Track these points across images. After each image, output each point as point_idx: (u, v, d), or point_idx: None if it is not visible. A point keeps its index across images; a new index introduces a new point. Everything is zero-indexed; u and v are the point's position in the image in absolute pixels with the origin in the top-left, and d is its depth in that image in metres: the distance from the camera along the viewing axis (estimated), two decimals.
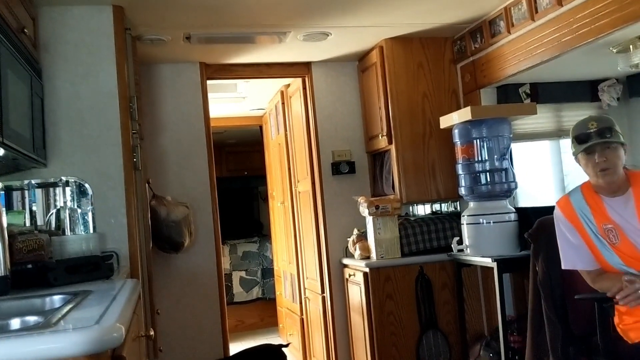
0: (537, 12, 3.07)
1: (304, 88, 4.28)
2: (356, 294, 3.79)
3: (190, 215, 3.74)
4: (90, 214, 2.83)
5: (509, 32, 3.32)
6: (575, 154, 2.36)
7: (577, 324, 2.53)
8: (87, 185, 2.82)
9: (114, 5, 2.90)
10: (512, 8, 3.26)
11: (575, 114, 3.63)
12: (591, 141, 2.27)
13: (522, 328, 3.28)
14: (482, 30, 3.56)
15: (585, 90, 3.94)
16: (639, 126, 3.92)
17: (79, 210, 2.84)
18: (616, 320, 2.29)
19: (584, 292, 2.40)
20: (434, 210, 4.12)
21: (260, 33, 3.55)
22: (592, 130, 2.28)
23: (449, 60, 3.91)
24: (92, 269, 2.38)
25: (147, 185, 3.41)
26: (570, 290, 2.49)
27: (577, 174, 3.60)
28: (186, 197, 3.87)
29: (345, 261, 4.03)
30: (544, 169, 4.05)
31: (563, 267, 2.42)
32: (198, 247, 3.92)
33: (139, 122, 3.11)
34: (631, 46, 2.96)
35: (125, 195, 2.84)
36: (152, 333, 2.00)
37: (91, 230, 2.81)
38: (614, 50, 3.05)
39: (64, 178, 2.81)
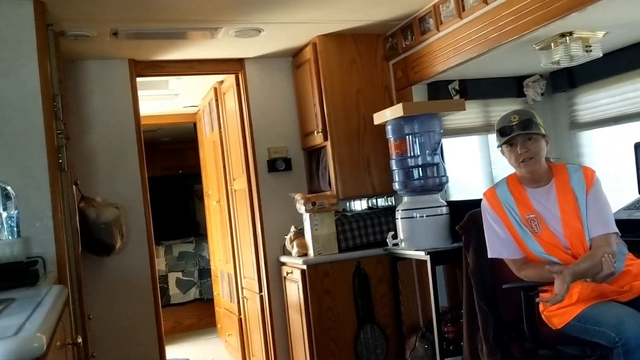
0: (464, 10, 3.15)
1: (238, 85, 4.24)
2: (294, 291, 3.79)
3: (122, 216, 3.63)
4: (14, 218, 2.69)
5: (438, 29, 3.39)
6: (499, 146, 2.45)
7: (507, 312, 2.62)
8: (9, 188, 2.68)
9: None
10: (440, 5, 3.33)
11: (502, 109, 3.74)
12: (513, 133, 2.36)
13: (456, 318, 3.37)
14: (413, 28, 3.62)
15: (511, 86, 4.07)
16: (562, 120, 4.09)
17: (4, 215, 2.70)
18: (541, 307, 2.39)
19: (513, 281, 2.49)
20: (370, 205, 4.17)
21: (191, 29, 3.48)
22: (513, 123, 2.38)
23: (381, 57, 3.96)
24: (16, 275, 2.27)
25: (74, 186, 3.29)
26: (501, 279, 2.57)
27: (505, 168, 3.74)
28: (117, 197, 3.76)
29: (283, 259, 4.02)
30: (473, 163, 4.16)
31: (489, 256, 2.51)
32: (131, 249, 3.81)
33: (64, 122, 2.99)
34: (552, 43, 3.07)
35: (50, 198, 2.72)
36: (79, 340, 1.92)
37: (16, 235, 2.67)
38: (537, 48, 3.16)
39: None
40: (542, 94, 4.04)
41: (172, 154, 7.45)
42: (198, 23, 3.39)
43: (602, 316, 2.15)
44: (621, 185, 3.29)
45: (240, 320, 4.75)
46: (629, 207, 2.94)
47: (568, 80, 3.90)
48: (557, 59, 3.10)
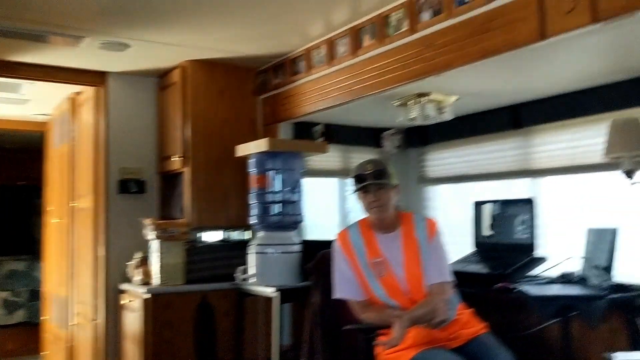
0: (334, 58, 3.28)
1: (97, 98, 4.03)
2: (132, 321, 3.59)
3: None
4: None
5: (308, 72, 3.49)
6: (354, 192, 2.55)
7: (347, 353, 2.67)
8: None
9: None
10: (313, 51, 3.45)
11: (361, 157, 3.90)
12: (366, 181, 2.47)
13: (297, 357, 3.37)
14: (285, 67, 3.70)
15: (371, 137, 4.29)
16: (413, 173, 4.36)
17: None
18: (378, 349, 2.47)
19: (355, 323, 2.55)
20: (223, 237, 4.09)
21: (53, 33, 3.26)
22: (368, 172, 2.49)
23: (251, 90, 3.98)
24: None
25: None
26: (344, 320, 2.62)
27: (360, 211, 3.87)
28: None
29: (124, 286, 3.80)
30: (330, 205, 4.28)
31: (335, 296, 2.57)
32: None
33: None
34: (410, 102, 3.29)
35: None
36: None
37: None
38: (396, 104, 3.37)
39: None
40: (397, 147, 4.29)
41: (13, 163, 6.84)
42: (62, 29, 3.19)
43: None
44: (459, 239, 3.54)
45: (69, 348, 4.41)
46: (463, 260, 3.17)
47: (421, 137, 4.19)
48: (413, 116, 3.32)
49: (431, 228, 2.54)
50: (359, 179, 2.52)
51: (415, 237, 2.50)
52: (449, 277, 2.48)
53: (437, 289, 2.42)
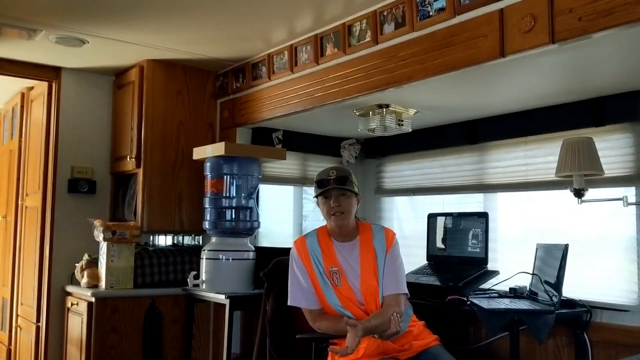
0: (296, 65, 3.27)
1: (50, 94, 3.90)
2: (77, 325, 3.47)
3: None
4: None
5: (269, 78, 3.47)
6: (315, 197, 2.53)
7: None
8: None
9: None
10: (275, 56, 3.42)
11: (319, 165, 3.91)
12: (329, 186, 2.46)
13: None
14: (245, 71, 3.67)
15: (330, 145, 4.27)
16: (370, 184, 4.37)
17: None
18: (329, 359, 2.45)
19: (309, 332, 2.53)
20: (175, 242, 4.02)
21: (6, 25, 3.14)
22: (331, 177, 2.49)
23: (210, 93, 3.93)
24: None
25: None
26: (297, 329, 2.59)
27: (314, 220, 3.87)
28: None
29: (70, 289, 3.68)
30: (285, 212, 4.25)
31: (289, 304, 2.54)
32: None
33: None
34: (370, 112, 3.30)
35: None
36: None
37: None
38: (357, 113, 3.37)
39: None
40: (355, 157, 4.29)
41: None
42: (15, 20, 3.08)
43: None
44: (415, 250, 3.56)
45: (9, 351, 4.28)
46: (417, 272, 3.19)
47: (379, 148, 4.21)
48: (373, 127, 3.33)
49: (389, 239, 2.54)
50: (321, 183, 2.51)
51: (373, 248, 2.50)
52: (404, 289, 2.49)
53: (391, 300, 2.42)
